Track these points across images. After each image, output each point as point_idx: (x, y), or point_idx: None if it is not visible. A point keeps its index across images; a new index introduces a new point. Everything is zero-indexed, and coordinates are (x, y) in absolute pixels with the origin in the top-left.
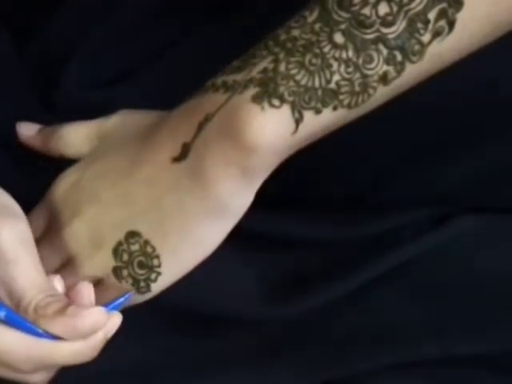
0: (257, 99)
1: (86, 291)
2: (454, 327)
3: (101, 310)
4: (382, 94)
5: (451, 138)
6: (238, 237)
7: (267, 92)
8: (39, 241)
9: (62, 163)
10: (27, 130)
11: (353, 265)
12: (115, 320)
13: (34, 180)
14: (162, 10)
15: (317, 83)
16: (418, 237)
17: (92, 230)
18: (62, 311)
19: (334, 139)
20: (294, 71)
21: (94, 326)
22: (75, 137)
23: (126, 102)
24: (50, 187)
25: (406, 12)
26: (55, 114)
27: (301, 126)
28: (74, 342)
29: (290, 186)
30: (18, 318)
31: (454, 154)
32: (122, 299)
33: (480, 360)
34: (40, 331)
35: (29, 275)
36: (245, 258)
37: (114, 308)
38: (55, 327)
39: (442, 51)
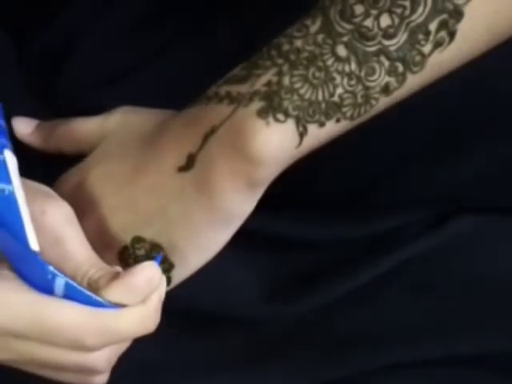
0: (262, 114)
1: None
2: (454, 327)
3: (151, 263)
4: (383, 104)
5: (451, 138)
6: (238, 237)
7: (272, 106)
8: None
9: (63, 163)
10: (24, 128)
11: (353, 265)
12: (164, 278)
13: (35, 180)
14: (161, 9)
15: (320, 97)
16: (418, 237)
17: (96, 233)
18: (115, 277)
19: (334, 139)
20: (297, 85)
21: (149, 280)
22: (76, 134)
23: (126, 102)
24: (51, 188)
25: (408, 24)
26: (55, 114)
27: (304, 139)
28: (136, 307)
29: (290, 186)
30: (79, 288)
31: (454, 154)
32: (158, 260)
33: (480, 360)
34: (101, 300)
35: (79, 252)
36: (245, 257)
37: None
38: (113, 294)
39: (442, 61)
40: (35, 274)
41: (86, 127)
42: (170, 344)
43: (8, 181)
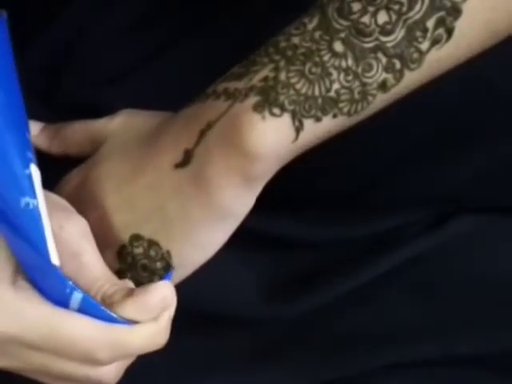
0: (258, 108)
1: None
2: (454, 327)
3: (166, 282)
4: (381, 101)
5: (450, 137)
6: (238, 237)
7: (268, 101)
8: None
9: (66, 164)
10: (31, 130)
11: (353, 265)
12: (175, 297)
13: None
14: (161, 9)
15: (317, 92)
16: (417, 237)
17: (96, 232)
18: (129, 294)
19: (333, 138)
20: (294, 80)
21: (163, 299)
22: (80, 136)
23: (126, 102)
24: (53, 189)
25: (405, 20)
26: (55, 114)
27: (301, 134)
28: (147, 324)
29: (289, 186)
30: (95, 303)
31: (454, 154)
32: (168, 277)
33: (480, 360)
34: (115, 316)
35: (94, 267)
36: (245, 257)
37: None
38: (127, 310)
39: (440, 58)
40: (52, 287)
41: (90, 129)
42: (170, 344)
43: (33, 195)
